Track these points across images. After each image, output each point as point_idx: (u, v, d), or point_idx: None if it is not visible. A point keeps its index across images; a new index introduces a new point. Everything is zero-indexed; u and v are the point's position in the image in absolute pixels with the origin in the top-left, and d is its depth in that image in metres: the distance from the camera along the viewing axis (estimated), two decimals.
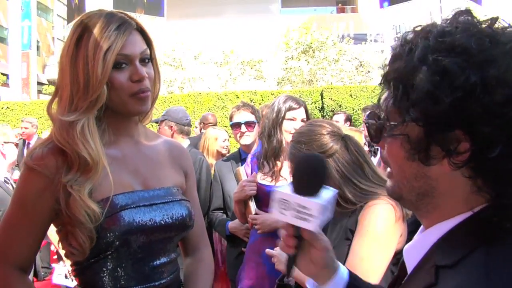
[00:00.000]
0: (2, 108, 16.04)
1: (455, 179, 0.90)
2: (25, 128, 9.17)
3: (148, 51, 1.59)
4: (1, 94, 25.51)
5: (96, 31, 1.48)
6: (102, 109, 1.54)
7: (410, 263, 0.99)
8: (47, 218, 1.50)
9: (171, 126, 4.49)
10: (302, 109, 3.10)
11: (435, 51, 0.88)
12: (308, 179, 1.14)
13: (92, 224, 1.43)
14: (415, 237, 1.01)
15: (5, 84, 27.74)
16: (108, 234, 1.46)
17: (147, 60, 1.58)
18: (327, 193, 1.14)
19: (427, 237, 0.96)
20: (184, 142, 4.36)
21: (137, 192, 1.57)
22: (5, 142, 3.76)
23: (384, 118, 0.99)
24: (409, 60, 0.91)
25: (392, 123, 0.96)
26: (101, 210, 1.45)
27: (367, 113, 1.08)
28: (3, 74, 28.13)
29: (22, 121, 9.52)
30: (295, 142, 2.18)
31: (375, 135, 1.03)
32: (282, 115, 3.03)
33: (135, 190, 1.57)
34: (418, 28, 0.97)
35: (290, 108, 3.05)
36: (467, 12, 0.94)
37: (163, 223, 1.56)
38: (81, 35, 1.50)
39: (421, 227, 1.04)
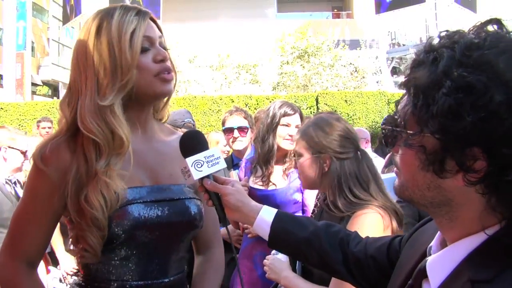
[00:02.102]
0: None
1: (469, 194, 0.89)
2: (49, 128, 8.14)
3: (163, 39, 1.63)
4: None
5: (116, 18, 1.51)
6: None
7: (436, 276, 0.96)
8: (56, 214, 1.52)
9: None
10: (297, 116, 3.10)
11: (460, 65, 0.86)
12: (199, 141, 1.50)
13: (107, 212, 1.44)
14: (440, 252, 0.99)
15: (0, 85, 27.59)
16: (115, 228, 1.46)
17: (164, 48, 1.61)
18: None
19: (455, 252, 0.94)
20: None
21: (146, 187, 1.57)
22: (9, 147, 3.73)
23: (401, 125, 0.97)
24: (433, 71, 0.89)
25: (409, 131, 0.94)
26: (124, 191, 1.48)
27: (385, 117, 1.08)
28: None
29: (39, 121, 8.65)
30: (315, 126, 2.14)
31: (390, 141, 1.02)
32: (277, 120, 3.03)
33: (144, 185, 1.57)
34: (444, 35, 0.94)
35: (285, 114, 3.04)
36: (497, 21, 0.92)
37: (170, 220, 1.55)
38: (100, 25, 1.52)
39: (437, 238, 1.03)
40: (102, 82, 1.49)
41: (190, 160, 1.44)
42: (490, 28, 0.92)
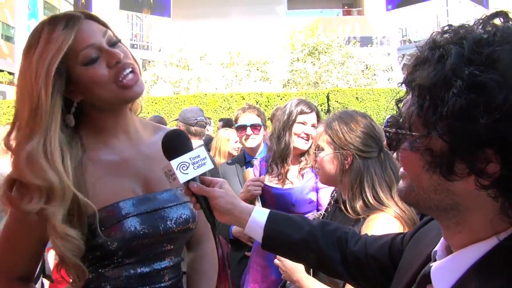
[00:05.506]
0: (9, 107, 16.11)
1: (480, 198, 0.85)
2: None
3: (111, 33, 1.48)
4: (8, 92, 25.61)
5: (39, 46, 1.39)
6: (72, 111, 1.46)
7: (441, 284, 0.92)
8: (43, 227, 1.39)
9: (180, 127, 4.55)
10: (313, 114, 3.08)
11: (470, 63, 0.81)
12: (183, 141, 1.42)
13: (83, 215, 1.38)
14: (446, 258, 0.94)
15: (12, 83, 27.81)
16: (111, 244, 1.41)
17: (115, 43, 1.47)
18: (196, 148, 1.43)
19: (460, 259, 0.90)
20: (193, 143, 4.30)
21: (139, 198, 1.52)
22: None
23: (406, 127, 0.91)
24: (440, 69, 0.83)
25: (415, 134, 0.89)
26: (82, 235, 1.38)
27: (387, 118, 1.02)
28: (10, 73, 28.21)
29: None
30: (340, 120, 2.07)
31: (395, 145, 0.96)
32: (293, 118, 3.01)
33: (137, 196, 1.52)
34: (449, 29, 0.89)
35: (301, 112, 3.03)
36: (504, 14, 0.87)
37: (166, 229, 1.52)
38: (26, 51, 1.44)
39: (442, 242, 0.99)
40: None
41: (175, 162, 1.34)
42: (497, 21, 0.86)
